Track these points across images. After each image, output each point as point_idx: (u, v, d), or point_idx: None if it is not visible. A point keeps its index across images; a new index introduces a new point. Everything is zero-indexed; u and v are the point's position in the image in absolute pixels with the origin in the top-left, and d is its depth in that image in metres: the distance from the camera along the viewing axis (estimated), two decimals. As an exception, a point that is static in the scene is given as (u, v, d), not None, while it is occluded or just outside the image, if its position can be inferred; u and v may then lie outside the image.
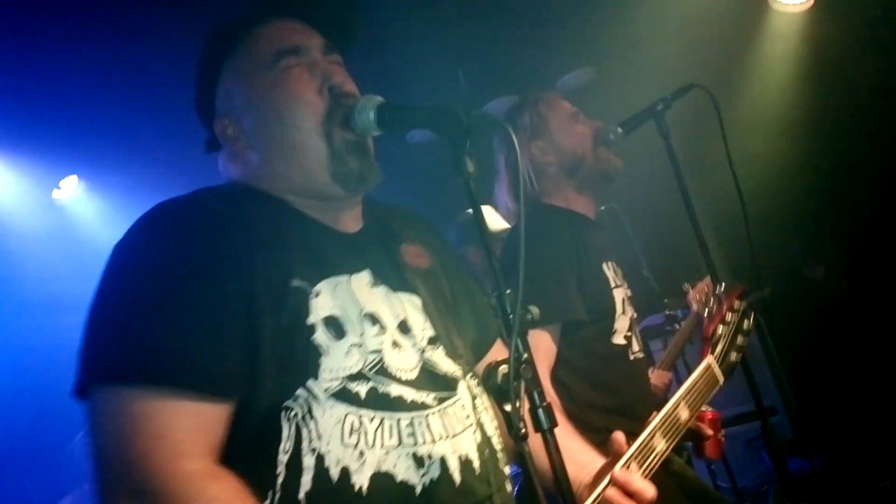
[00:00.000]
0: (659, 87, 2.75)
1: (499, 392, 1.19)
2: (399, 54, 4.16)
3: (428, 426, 1.33)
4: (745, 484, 4.65)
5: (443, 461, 1.32)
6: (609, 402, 2.35)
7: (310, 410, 1.24)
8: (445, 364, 1.44)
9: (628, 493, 1.51)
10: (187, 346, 1.21)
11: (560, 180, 2.59)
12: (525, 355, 1.19)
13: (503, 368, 1.19)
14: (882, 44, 4.68)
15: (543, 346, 2.26)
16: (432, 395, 1.37)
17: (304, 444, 1.23)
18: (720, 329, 2.05)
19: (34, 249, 4.51)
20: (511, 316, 1.20)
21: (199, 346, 1.22)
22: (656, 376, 3.25)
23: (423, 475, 1.29)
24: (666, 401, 1.82)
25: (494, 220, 3.19)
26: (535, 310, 1.23)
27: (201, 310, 1.24)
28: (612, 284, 2.47)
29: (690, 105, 2.61)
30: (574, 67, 4.94)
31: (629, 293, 2.56)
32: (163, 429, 1.17)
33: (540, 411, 1.20)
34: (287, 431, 1.23)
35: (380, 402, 1.30)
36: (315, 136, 1.43)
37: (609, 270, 2.49)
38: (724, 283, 2.21)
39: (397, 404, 1.31)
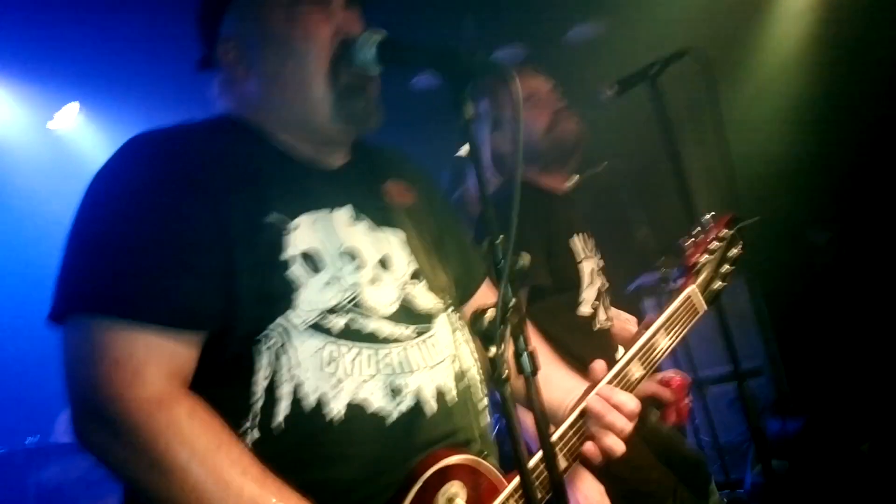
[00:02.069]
0: (666, 46, 2.72)
1: (484, 336, 1.20)
2: (401, 4, 4.10)
3: (406, 357, 1.36)
4: (727, 440, 4.75)
5: (418, 391, 1.35)
6: (571, 369, 2.40)
7: (288, 341, 1.28)
8: (426, 298, 1.46)
9: (612, 405, 1.56)
10: (154, 281, 1.24)
11: (524, 165, 2.59)
12: (513, 301, 1.21)
13: (490, 313, 1.20)
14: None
15: None
16: (411, 328, 1.40)
17: (283, 372, 1.27)
18: (704, 258, 2.02)
19: (30, 179, 4.51)
20: (502, 261, 1.22)
21: (166, 281, 1.24)
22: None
23: (397, 404, 1.32)
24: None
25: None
26: (525, 257, 1.24)
27: (173, 245, 1.26)
28: (580, 257, 2.52)
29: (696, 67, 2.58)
30: (582, 21, 4.88)
31: (601, 263, 2.61)
32: (122, 356, 1.21)
33: (524, 356, 1.22)
34: (266, 359, 1.27)
35: (356, 335, 1.33)
36: (321, 76, 1.42)
37: (577, 244, 2.53)
38: (712, 213, 2.17)
39: (374, 337, 1.34)
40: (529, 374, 1.22)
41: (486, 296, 1.71)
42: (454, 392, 1.41)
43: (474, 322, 1.22)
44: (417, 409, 1.35)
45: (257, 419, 1.26)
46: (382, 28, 1.42)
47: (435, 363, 1.40)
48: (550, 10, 4.70)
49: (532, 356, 1.23)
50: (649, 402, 2.92)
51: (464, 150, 3.57)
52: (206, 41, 1.52)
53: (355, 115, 1.44)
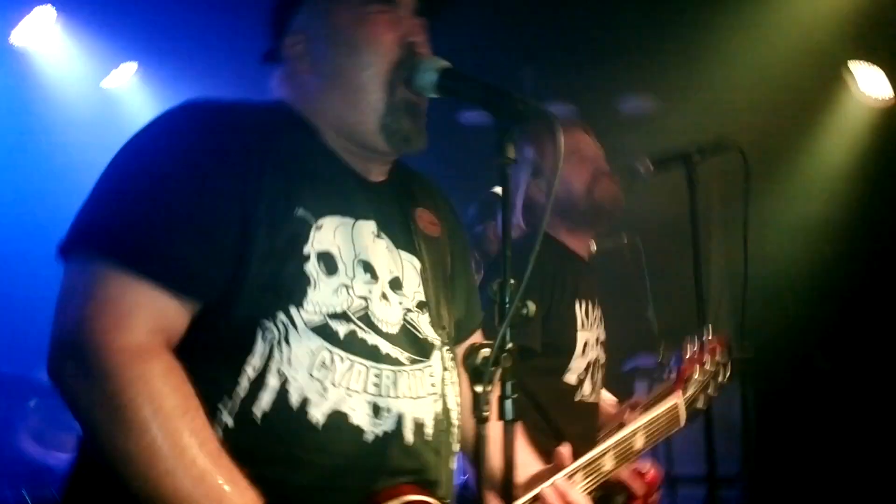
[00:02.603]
0: (714, 133, 2.74)
1: (475, 372, 1.22)
2: (470, 41, 4.18)
3: (394, 382, 1.36)
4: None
5: (399, 418, 1.35)
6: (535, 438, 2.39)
7: (286, 336, 1.28)
8: (427, 330, 1.46)
9: (565, 502, 1.56)
10: (161, 239, 1.26)
11: (551, 219, 2.60)
12: (510, 345, 1.22)
13: (485, 351, 1.22)
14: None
15: None
16: (406, 354, 1.40)
17: (273, 365, 1.26)
18: (696, 373, 2.06)
19: (78, 132, 4.58)
20: (508, 304, 1.23)
21: (174, 242, 1.26)
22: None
23: (376, 425, 1.32)
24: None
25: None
26: (531, 306, 1.26)
27: (191, 211, 1.28)
28: (580, 325, 2.50)
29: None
30: (636, 93, 4.94)
31: (601, 337, 2.58)
32: (110, 300, 1.22)
33: (508, 402, 1.24)
34: (260, 348, 1.27)
35: (356, 346, 1.33)
36: (379, 82, 1.43)
37: (581, 311, 2.52)
38: (710, 329, 2.20)
39: (372, 353, 1.34)
40: (510, 420, 1.24)
41: (478, 341, 1.72)
42: (431, 430, 1.41)
43: (468, 356, 1.24)
44: (395, 434, 1.35)
45: (235, 408, 1.26)
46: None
47: (420, 396, 1.40)
48: (608, 77, 4.77)
49: (516, 404, 1.24)
50: (618, 489, 2.89)
51: (499, 187, 3.60)
52: (275, 34, 1.56)
53: (401, 131, 1.45)
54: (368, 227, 1.43)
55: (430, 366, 1.44)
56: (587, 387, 2.52)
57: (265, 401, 1.26)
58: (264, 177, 1.32)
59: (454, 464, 1.50)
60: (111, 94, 4.89)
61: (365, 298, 1.36)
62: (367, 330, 1.35)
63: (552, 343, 2.41)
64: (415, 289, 1.47)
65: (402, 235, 1.49)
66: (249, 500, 1.19)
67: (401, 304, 1.43)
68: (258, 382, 1.26)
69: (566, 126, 2.76)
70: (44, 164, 4.59)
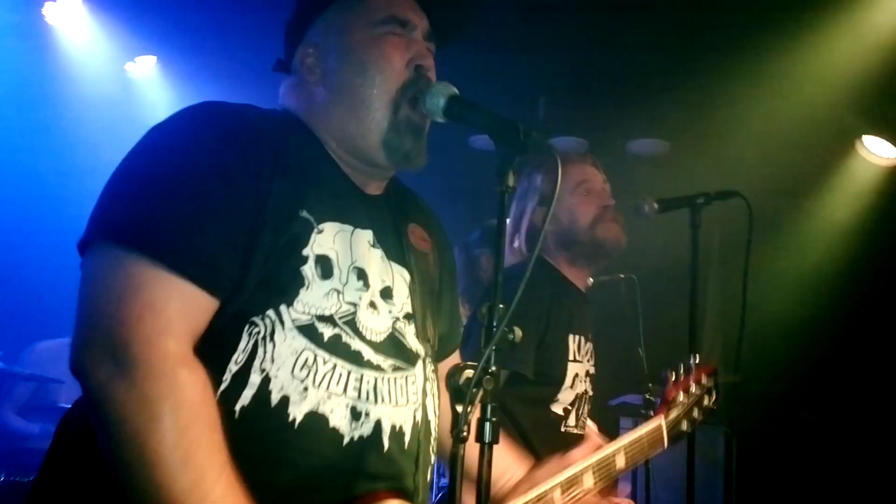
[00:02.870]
0: (721, 181, 2.78)
1: (456, 392, 1.23)
2: (487, 65, 4.23)
3: (375, 388, 1.37)
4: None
5: (377, 423, 1.37)
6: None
7: (272, 333, 1.29)
8: (412, 342, 1.48)
9: None
10: (196, 235, 1.26)
11: (553, 248, 2.66)
12: (493, 368, 1.24)
13: (468, 372, 1.23)
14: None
15: None
16: (390, 362, 1.42)
17: (256, 362, 1.27)
18: (680, 396, 2.07)
19: (100, 115, 4.65)
20: (495, 328, 1.26)
21: (206, 238, 1.27)
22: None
23: (354, 428, 1.33)
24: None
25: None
26: (518, 332, 1.28)
27: (215, 207, 1.29)
28: (571, 357, 2.52)
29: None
30: (647, 135, 4.98)
31: (591, 370, 2.61)
32: (157, 301, 1.21)
33: (487, 424, 1.25)
34: (244, 344, 1.28)
35: (339, 349, 1.34)
36: (384, 100, 1.48)
37: (574, 343, 2.54)
38: (697, 357, 2.23)
39: (354, 358, 1.36)
40: (488, 442, 1.25)
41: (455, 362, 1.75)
42: (409, 438, 1.43)
43: (451, 376, 1.25)
44: (373, 439, 1.36)
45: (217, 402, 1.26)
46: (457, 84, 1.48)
47: (399, 403, 1.42)
48: (620, 116, 4.81)
49: (495, 427, 1.25)
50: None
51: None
52: (289, 44, 1.60)
53: (402, 149, 1.49)
54: (366, 236, 1.46)
55: (412, 375, 1.46)
56: (573, 419, 2.54)
57: (246, 396, 1.27)
58: (275, 177, 1.35)
59: (430, 475, 1.52)
60: (132, 81, 4.96)
61: (353, 304, 1.39)
62: (351, 335, 1.37)
63: (543, 372, 2.44)
64: (403, 300, 1.49)
65: (395, 248, 1.52)
66: None
67: (390, 312, 1.45)
68: (240, 378, 1.27)
69: (577, 159, 2.80)
70: (64, 140, 4.66)
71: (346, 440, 1.33)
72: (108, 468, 1.19)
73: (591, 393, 2.61)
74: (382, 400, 1.38)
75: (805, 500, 4.96)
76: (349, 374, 1.35)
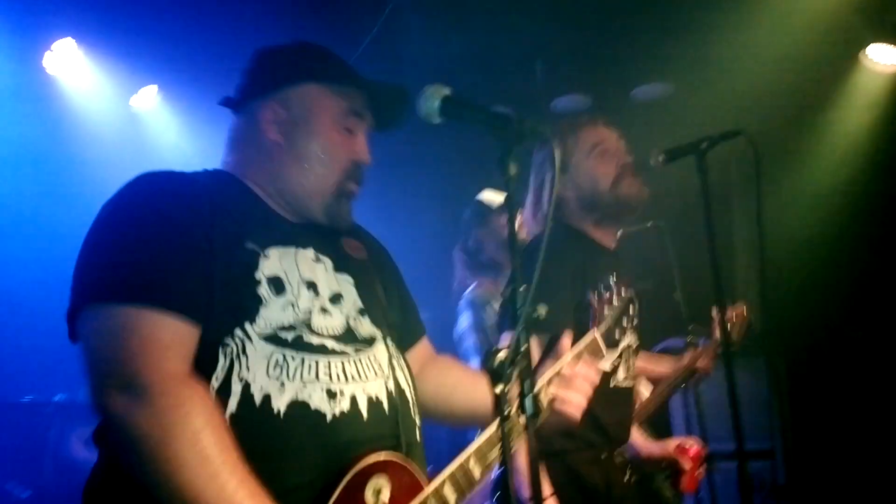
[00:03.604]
0: (729, 117, 2.78)
1: (494, 373, 1.33)
2: (482, 36, 4.25)
3: (343, 369, 1.56)
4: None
5: (353, 398, 1.54)
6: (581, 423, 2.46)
7: (244, 348, 1.48)
8: (368, 328, 1.68)
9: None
10: (168, 276, 1.47)
11: (578, 213, 2.70)
12: (524, 347, 1.32)
13: (502, 354, 1.32)
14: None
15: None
16: (351, 346, 1.61)
17: (234, 374, 1.46)
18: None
19: (105, 150, 4.73)
20: (520, 309, 1.33)
21: (176, 277, 1.47)
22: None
23: (333, 407, 1.51)
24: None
25: (496, 197, 3.52)
26: (542, 309, 1.35)
27: (174, 251, 1.50)
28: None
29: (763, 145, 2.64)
30: (650, 80, 4.96)
31: (635, 321, 2.64)
32: (151, 335, 1.41)
33: (528, 398, 1.34)
34: (222, 363, 1.46)
35: (304, 346, 1.53)
36: (333, 180, 1.72)
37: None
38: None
39: (318, 349, 1.55)
40: (531, 415, 1.34)
41: (427, 349, 1.98)
42: (387, 405, 1.60)
43: (486, 360, 1.34)
44: (353, 412, 1.53)
45: None
46: (455, 66, 1.56)
47: (370, 378, 1.59)
48: (620, 65, 4.79)
49: (534, 399, 1.34)
50: (662, 464, 2.94)
51: (484, 195, 3.73)
52: (252, 87, 1.77)
53: (338, 215, 1.75)
54: (308, 254, 1.67)
55: (375, 353, 1.64)
56: (622, 372, 2.59)
57: (231, 404, 1.45)
58: (216, 220, 1.56)
59: (417, 434, 1.69)
60: (137, 114, 5.04)
61: (308, 311, 1.58)
62: (311, 335, 1.55)
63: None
64: (354, 299, 1.70)
65: (337, 260, 1.73)
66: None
67: (342, 312, 1.64)
68: (224, 390, 1.45)
69: (588, 121, 2.82)
70: (74, 179, 4.75)
71: (329, 417, 1.50)
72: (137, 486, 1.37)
73: (636, 344, 2.65)
74: (353, 378, 1.56)
75: (857, 418, 4.98)
76: (317, 363, 1.53)
